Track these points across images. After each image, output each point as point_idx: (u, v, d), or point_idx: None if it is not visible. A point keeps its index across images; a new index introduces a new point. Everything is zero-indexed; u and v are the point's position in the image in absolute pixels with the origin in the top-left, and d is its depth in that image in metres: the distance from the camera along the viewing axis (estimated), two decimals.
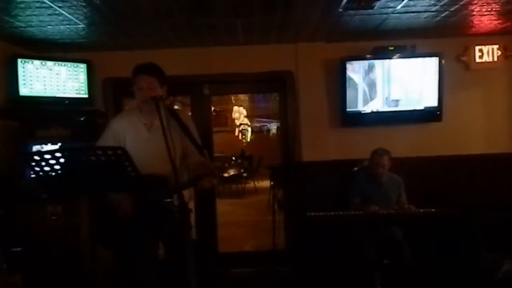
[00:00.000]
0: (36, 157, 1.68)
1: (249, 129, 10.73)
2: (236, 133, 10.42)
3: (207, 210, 4.11)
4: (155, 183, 2.06)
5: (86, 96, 3.76)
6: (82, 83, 3.72)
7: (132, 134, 2.29)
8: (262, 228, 4.58)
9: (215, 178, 2.16)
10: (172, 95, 2.42)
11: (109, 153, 1.70)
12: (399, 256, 3.22)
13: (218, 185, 2.27)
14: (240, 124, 10.33)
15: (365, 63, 3.80)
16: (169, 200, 2.01)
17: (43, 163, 1.67)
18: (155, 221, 2.10)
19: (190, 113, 4.09)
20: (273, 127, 10.35)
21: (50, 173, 1.70)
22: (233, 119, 10.09)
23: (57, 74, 3.57)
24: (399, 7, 3.00)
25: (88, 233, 2.12)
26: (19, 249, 2.96)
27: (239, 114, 9.89)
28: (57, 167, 1.69)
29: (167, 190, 2.03)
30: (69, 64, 3.64)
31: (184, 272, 2.37)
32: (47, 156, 1.66)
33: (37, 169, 1.69)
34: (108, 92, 3.96)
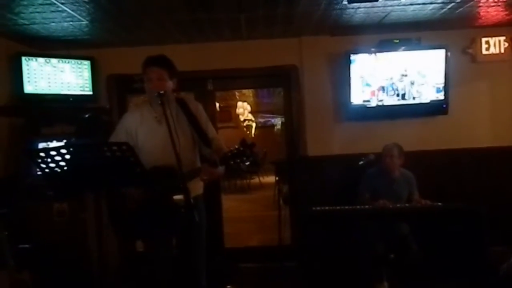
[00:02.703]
0: (42, 154, 1.69)
1: (254, 124, 10.71)
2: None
3: (212, 205, 4.11)
4: (161, 175, 2.06)
5: (91, 93, 3.76)
6: (86, 80, 3.73)
7: (144, 128, 2.32)
8: (268, 224, 4.59)
9: (215, 169, 2.17)
10: (176, 91, 2.42)
11: (114, 148, 1.70)
12: (405, 250, 3.21)
13: (220, 175, 2.28)
14: (245, 120, 10.31)
15: (370, 56, 3.77)
16: (178, 196, 2.00)
17: (49, 160, 1.68)
18: (166, 216, 2.10)
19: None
20: (278, 122, 10.31)
21: (55, 169, 1.70)
22: (238, 115, 10.07)
23: (61, 71, 3.58)
24: None
25: (95, 229, 2.13)
26: (26, 246, 2.99)
27: (244, 109, 9.87)
28: (62, 163, 1.69)
29: (175, 181, 2.03)
30: (73, 61, 3.65)
31: (193, 266, 2.39)
32: (53, 153, 1.66)
33: (42, 166, 1.70)
34: (112, 88, 3.96)
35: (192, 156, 2.37)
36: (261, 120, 10.97)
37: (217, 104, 5.93)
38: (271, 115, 10.71)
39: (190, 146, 2.35)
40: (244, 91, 9.01)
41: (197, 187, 2.36)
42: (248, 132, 10.66)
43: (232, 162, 2.15)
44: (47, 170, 1.69)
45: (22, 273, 2.75)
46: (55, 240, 3.21)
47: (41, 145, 3.22)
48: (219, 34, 3.69)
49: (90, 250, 3.23)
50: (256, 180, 8.90)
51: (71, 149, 1.69)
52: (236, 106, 9.88)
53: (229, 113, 10.09)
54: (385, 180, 3.38)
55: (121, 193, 2.10)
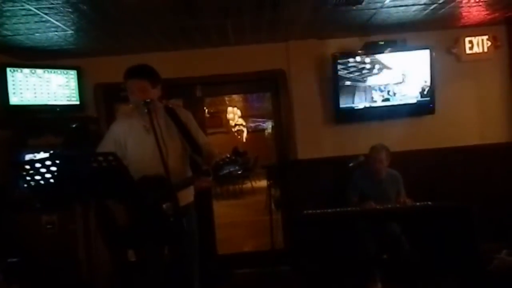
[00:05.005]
0: (27, 166, 1.66)
1: (245, 129, 10.71)
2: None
3: (204, 212, 4.09)
4: (150, 185, 2.05)
5: (78, 102, 3.73)
6: (73, 90, 3.70)
7: (133, 137, 2.29)
8: (261, 228, 4.57)
9: (208, 178, 2.17)
10: (164, 98, 2.40)
11: (100, 159, 1.69)
12: (397, 250, 3.22)
13: (212, 185, 2.27)
14: (235, 125, 10.31)
15: (357, 59, 3.80)
16: (167, 204, 1.99)
17: (34, 172, 1.65)
18: (156, 226, 2.08)
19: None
20: (269, 126, 10.32)
21: (41, 181, 1.67)
22: (228, 120, 10.06)
23: (47, 81, 3.55)
24: (387, 1, 2.99)
25: (85, 240, 2.10)
26: (15, 259, 2.94)
27: (234, 114, 9.87)
28: (48, 175, 1.67)
29: (164, 190, 2.02)
30: (59, 71, 3.61)
31: (186, 274, 2.37)
32: (38, 165, 1.64)
33: (28, 178, 1.67)
34: (99, 98, 3.94)
35: (182, 165, 2.36)
36: (252, 124, 10.98)
37: (207, 110, 5.92)
38: (262, 119, 10.73)
39: (180, 154, 2.33)
40: (234, 96, 9.01)
41: (187, 195, 2.35)
42: (239, 137, 10.65)
43: (224, 171, 2.15)
44: (32, 183, 1.67)
45: (11, 287, 2.71)
46: (45, 252, 3.17)
47: (28, 157, 3.18)
48: (206, 40, 3.69)
49: (80, 261, 3.18)
50: (248, 185, 8.89)
51: (56, 160, 1.66)
52: (226, 112, 9.87)
53: (220, 118, 10.08)
54: (373, 181, 3.40)
55: (109, 209, 2.08)
